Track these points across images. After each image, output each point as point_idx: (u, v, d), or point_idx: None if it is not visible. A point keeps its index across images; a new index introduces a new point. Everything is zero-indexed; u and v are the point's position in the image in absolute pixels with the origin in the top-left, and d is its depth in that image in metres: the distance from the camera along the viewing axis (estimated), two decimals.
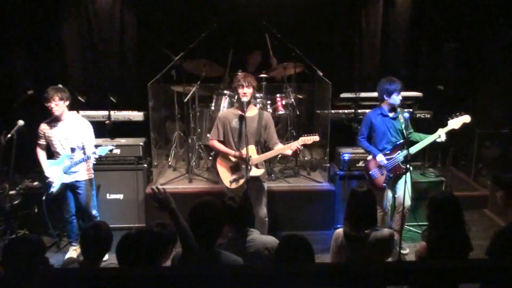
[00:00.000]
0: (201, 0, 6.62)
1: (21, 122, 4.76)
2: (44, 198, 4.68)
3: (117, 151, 5.43)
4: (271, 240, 3.32)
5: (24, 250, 2.91)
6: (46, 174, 4.65)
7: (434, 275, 1.32)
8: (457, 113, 4.61)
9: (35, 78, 6.18)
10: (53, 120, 4.67)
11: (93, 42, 6.55)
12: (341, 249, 3.37)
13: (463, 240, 3.24)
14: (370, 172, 4.83)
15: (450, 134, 4.61)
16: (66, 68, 6.52)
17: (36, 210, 5.26)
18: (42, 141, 4.71)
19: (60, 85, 4.70)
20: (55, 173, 4.64)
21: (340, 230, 3.44)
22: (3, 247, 3.00)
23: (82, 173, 4.74)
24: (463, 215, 3.31)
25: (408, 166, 4.63)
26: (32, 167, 5.82)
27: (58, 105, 4.54)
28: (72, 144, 4.65)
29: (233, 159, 4.47)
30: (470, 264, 1.41)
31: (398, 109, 4.71)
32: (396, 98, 4.67)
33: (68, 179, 4.67)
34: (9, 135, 4.71)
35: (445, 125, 4.59)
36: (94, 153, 4.53)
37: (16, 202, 5.16)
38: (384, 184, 4.76)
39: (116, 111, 5.91)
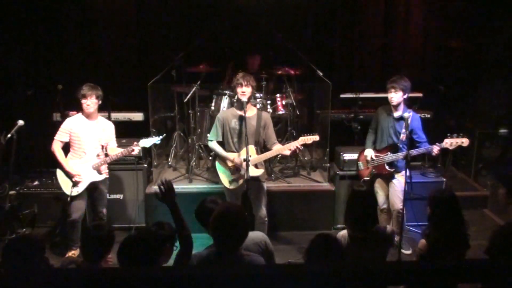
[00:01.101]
0: (201, 0, 6.62)
1: (21, 122, 4.75)
2: (69, 199, 4.58)
3: None
4: (259, 235, 3.29)
5: (24, 250, 2.91)
6: (73, 173, 4.56)
7: (434, 275, 1.32)
8: (458, 134, 4.50)
9: (35, 78, 6.18)
10: (82, 118, 4.62)
11: (93, 42, 6.55)
12: (347, 250, 3.35)
13: (462, 238, 3.25)
14: (358, 162, 5.02)
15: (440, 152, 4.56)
16: (66, 68, 6.52)
17: (36, 210, 5.26)
18: (65, 138, 4.59)
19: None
20: (84, 171, 4.59)
21: (344, 232, 3.42)
22: (3, 247, 2.99)
23: (106, 171, 4.79)
24: (463, 213, 3.32)
25: (392, 169, 4.68)
26: (32, 167, 5.84)
27: (94, 104, 4.54)
28: (101, 142, 4.65)
29: (230, 163, 4.48)
30: (470, 264, 1.41)
31: (406, 113, 4.55)
32: (388, 95, 4.67)
33: (99, 177, 4.66)
34: (9, 135, 4.70)
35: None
36: (137, 144, 4.51)
37: (16, 202, 5.16)
38: (367, 178, 4.86)
39: (116, 112, 5.91)
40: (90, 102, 4.51)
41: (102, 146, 4.65)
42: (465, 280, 1.43)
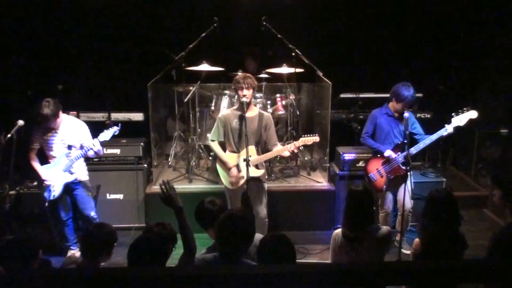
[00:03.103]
0: (201, 0, 6.62)
1: (21, 122, 4.75)
2: (47, 204, 4.63)
3: (117, 151, 5.43)
4: (257, 236, 3.30)
5: (16, 251, 2.91)
6: (44, 177, 4.59)
7: (433, 275, 1.32)
8: (463, 109, 4.49)
9: (35, 78, 6.18)
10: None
11: (92, 42, 6.55)
12: (341, 249, 3.37)
13: (458, 238, 3.25)
14: (369, 175, 4.83)
15: (455, 131, 4.54)
16: (65, 68, 6.52)
17: (36, 211, 5.26)
18: (37, 146, 4.65)
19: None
20: (55, 175, 4.60)
21: (338, 231, 3.45)
22: None
23: (82, 174, 4.73)
24: (459, 214, 3.31)
25: (408, 167, 4.53)
26: (32, 167, 5.83)
27: (58, 120, 4.49)
28: (69, 142, 4.61)
29: (232, 162, 4.47)
30: (470, 264, 1.41)
31: (406, 113, 4.59)
32: (401, 107, 4.65)
33: (70, 177, 4.63)
34: (9, 135, 4.70)
35: (449, 122, 4.54)
36: (96, 139, 4.44)
37: (16, 202, 5.15)
38: (385, 186, 4.74)
39: (116, 112, 5.91)
40: (56, 122, 4.48)
41: (70, 146, 4.60)
42: (464, 280, 1.43)
